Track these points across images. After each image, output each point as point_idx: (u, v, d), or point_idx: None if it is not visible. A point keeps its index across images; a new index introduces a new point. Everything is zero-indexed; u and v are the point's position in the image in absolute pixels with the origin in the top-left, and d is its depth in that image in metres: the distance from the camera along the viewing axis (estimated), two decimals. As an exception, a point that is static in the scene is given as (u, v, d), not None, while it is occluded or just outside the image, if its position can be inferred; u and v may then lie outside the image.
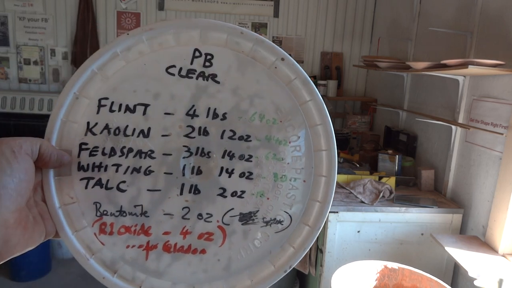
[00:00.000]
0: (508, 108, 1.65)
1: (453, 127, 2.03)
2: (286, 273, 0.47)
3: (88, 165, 0.46)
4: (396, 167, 2.33)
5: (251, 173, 0.47)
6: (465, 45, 1.97)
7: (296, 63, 0.47)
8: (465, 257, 1.57)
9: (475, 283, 1.43)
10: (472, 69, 1.59)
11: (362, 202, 1.95)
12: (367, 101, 3.34)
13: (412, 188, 2.22)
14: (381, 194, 1.96)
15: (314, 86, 0.47)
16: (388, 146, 2.73)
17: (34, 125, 3.12)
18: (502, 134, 1.66)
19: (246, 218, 0.47)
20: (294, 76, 0.47)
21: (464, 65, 1.61)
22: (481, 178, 1.84)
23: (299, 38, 3.43)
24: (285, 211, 0.47)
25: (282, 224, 0.47)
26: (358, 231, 1.93)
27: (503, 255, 1.62)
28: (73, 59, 3.28)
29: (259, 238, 0.47)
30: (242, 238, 0.47)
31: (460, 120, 2.00)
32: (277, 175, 0.47)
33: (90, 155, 0.46)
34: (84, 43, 3.22)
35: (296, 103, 0.47)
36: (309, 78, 0.47)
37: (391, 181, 2.12)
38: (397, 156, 2.34)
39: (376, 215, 1.91)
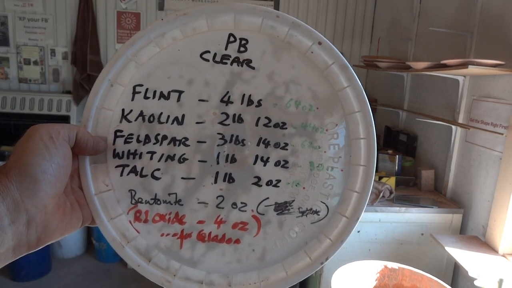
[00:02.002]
0: (508, 108, 1.65)
1: (453, 127, 2.03)
2: (323, 265, 0.46)
3: (123, 152, 0.46)
4: (396, 167, 2.33)
5: (286, 162, 0.46)
6: (465, 45, 1.97)
7: (334, 47, 0.45)
8: (465, 257, 1.57)
9: (475, 283, 1.43)
10: (472, 69, 1.59)
11: (362, 202, 1.94)
12: (367, 101, 3.33)
13: (412, 188, 2.22)
14: (381, 194, 1.96)
15: (353, 71, 0.45)
16: (388, 146, 2.73)
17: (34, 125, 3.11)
18: (502, 134, 1.66)
19: (282, 208, 0.46)
20: (331, 61, 0.45)
21: (464, 65, 1.61)
22: (481, 178, 1.84)
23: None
24: (321, 201, 0.46)
25: (319, 215, 0.46)
26: (358, 231, 1.93)
27: (503, 255, 1.62)
28: (73, 59, 3.27)
29: (295, 228, 0.46)
30: (277, 228, 0.46)
31: (460, 120, 2.00)
32: (314, 164, 0.46)
33: (125, 142, 0.46)
34: (84, 43, 3.21)
35: (333, 89, 0.46)
36: (347, 63, 0.45)
37: (391, 181, 2.12)
38: (397, 156, 2.34)
39: (376, 215, 1.91)
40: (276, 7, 3.38)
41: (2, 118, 3.13)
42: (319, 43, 0.45)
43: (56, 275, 2.80)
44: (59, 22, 3.27)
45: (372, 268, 1.49)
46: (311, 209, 0.46)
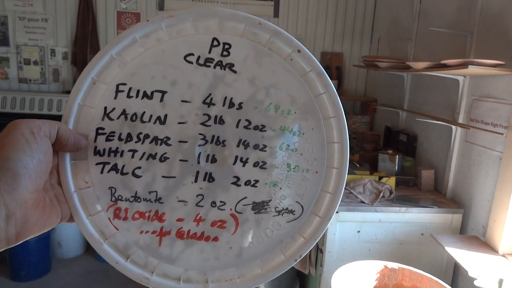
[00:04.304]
0: (508, 108, 1.65)
1: (453, 127, 2.03)
2: (297, 262, 0.47)
3: (104, 150, 0.46)
4: (396, 167, 2.33)
5: (265, 163, 0.48)
6: (465, 45, 1.97)
7: (312, 56, 0.47)
8: (465, 257, 1.57)
9: (475, 283, 1.43)
10: (472, 69, 1.59)
11: (362, 202, 1.95)
12: (367, 101, 3.34)
13: (412, 188, 2.22)
14: (381, 194, 1.96)
15: (329, 79, 0.47)
16: (388, 146, 2.73)
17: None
18: (502, 134, 1.66)
19: (259, 207, 0.48)
20: (309, 69, 0.47)
21: (464, 65, 1.61)
22: (481, 178, 1.84)
23: (299, 38, 3.42)
24: (297, 201, 0.48)
25: (294, 214, 0.48)
26: (358, 231, 1.93)
27: (503, 255, 1.62)
28: (73, 59, 3.28)
29: (271, 227, 0.48)
30: (254, 227, 0.48)
31: (460, 120, 2.00)
32: (290, 166, 0.48)
33: (107, 140, 0.46)
34: (84, 43, 3.22)
35: (310, 95, 0.48)
36: (324, 71, 0.47)
37: (391, 181, 2.12)
38: (397, 156, 2.34)
39: (376, 215, 1.91)
40: (276, 7, 3.38)
41: (2, 118, 3.13)
42: (298, 51, 0.47)
43: (56, 275, 2.81)
44: (59, 22, 3.28)
45: (372, 268, 1.49)
46: (287, 208, 0.48)
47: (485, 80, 1.85)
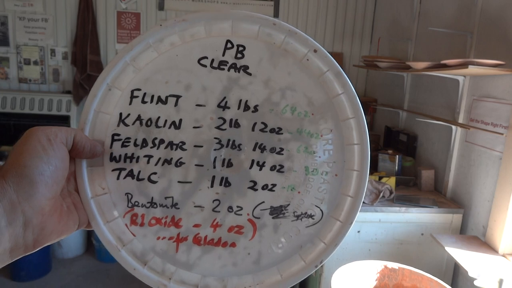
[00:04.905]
0: (508, 108, 1.65)
1: (453, 127, 2.03)
2: (317, 268, 0.46)
3: (120, 156, 0.46)
4: (396, 167, 2.33)
5: (282, 166, 0.47)
6: (465, 45, 1.97)
7: (329, 55, 0.46)
8: (465, 257, 1.57)
9: (475, 283, 1.43)
10: (472, 69, 1.60)
11: (362, 202, 1.94)
12: (367, 101, 3.33)
13: (412, 188, 2.22)
14: (381, 194, 1.96)
15: (347, 79, 0.46)
16: (388, 146, 2.73)
17: (34, 125, 3.12)
18: (502, 134, 1.66)
19: (277, 211, 0.47)
20: (326, 68, 0.46)
21: (464, 65, 1.61)
22: (481, 178, 1.84)
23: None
24: (316, 206, 0.47)
25: (313, 219, 0.47)
26: (358, 231, 1.93)
27: (503, 255, 1.63)
28: (73, 59, 3.27)
29: (290, 232, 0.47)
30: (272, 232, 0.47)
31: (460, 120, 2.00)
32: (309, 169, 0.47)
33: (122, 146, 0.46)
34: (84, 43, 3.21)
35: (328, 96, 0.47)
36: (342, 70, 0.46)
37: (391, 181, 2.12)
38: (397, 156, 2.34)
39: (376, 215, 1.91)
40: (276, 7, 3.38)
41: (2, 118, 3.13)
42: (315, 51, 0.46)
43: (56, 275, 2.81)
44: (59, 22, 3.28)
45: (372, 268, 1.49)
46: (305, 213, 0.47)
47: (485, 80, 1.85)
